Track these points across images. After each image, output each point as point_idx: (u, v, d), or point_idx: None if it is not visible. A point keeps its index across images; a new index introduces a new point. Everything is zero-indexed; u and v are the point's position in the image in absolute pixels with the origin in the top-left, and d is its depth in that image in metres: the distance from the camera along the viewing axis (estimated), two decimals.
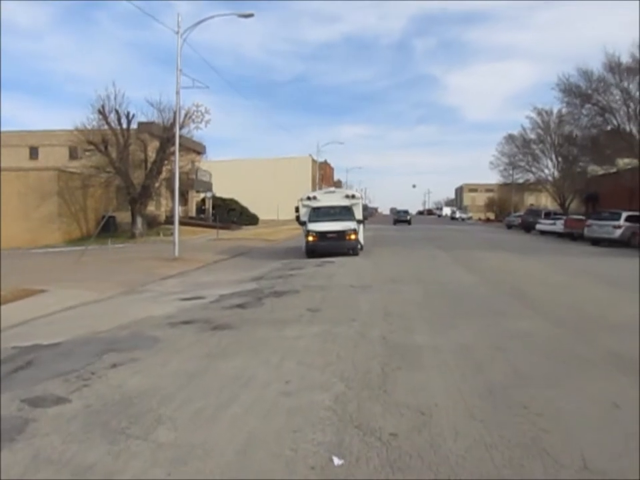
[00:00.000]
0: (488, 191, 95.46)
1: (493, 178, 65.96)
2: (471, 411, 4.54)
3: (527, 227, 40.99)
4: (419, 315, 8.82)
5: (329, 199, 21.88)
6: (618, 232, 25.60)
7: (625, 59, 31.73)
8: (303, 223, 21.56)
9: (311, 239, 19.84)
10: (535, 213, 42.76)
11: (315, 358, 6.28)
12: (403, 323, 8.19)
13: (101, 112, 31.08)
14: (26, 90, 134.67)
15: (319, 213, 20.96)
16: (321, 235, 19.70)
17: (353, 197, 22.33)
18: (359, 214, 21.23)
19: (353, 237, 19.77)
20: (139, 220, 32.52)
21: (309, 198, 22.04)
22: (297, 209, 22.33)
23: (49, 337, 8.06)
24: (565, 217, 35.28)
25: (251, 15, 20.93)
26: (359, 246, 20.66)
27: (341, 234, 19.70)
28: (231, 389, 5.29)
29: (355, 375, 5.57)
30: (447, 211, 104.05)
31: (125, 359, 6.56)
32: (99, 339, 7.84)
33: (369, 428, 4.21)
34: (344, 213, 20.82)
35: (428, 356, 6.28)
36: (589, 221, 28.04)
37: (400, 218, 58.29)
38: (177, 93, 21.50)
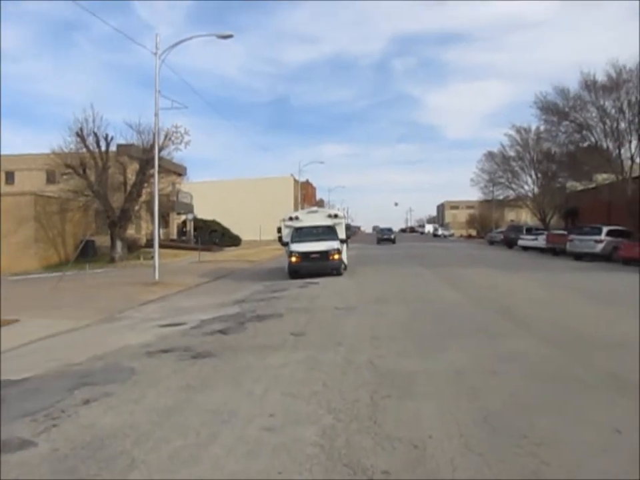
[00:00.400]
0: (469, 207, 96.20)
1: (474, 195, 66.30)
2: (468, 442, 4.26)
3: (509, 242, 41.18)
4: (406, 337, 8.54)
5: (311, 218, 21.55)
6: (600, 246, 25.74)
7: (601, 77, 32.33)
8: (285, 244, 21.20)
9: (294, 259, 19.50)
10: (516, 228, 43.05)
11: (300, 387, 5.96)
12: (390, 346, 7.91)
13: (79, 135, 30.62)
14: (2, 112, 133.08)
15: (302, 233, 20.64)
16: (304, 256, 19.38)
17: (336, 216, 21.96)
18: (342, 233, 20.95)
19: (336, 256, 19.46)
20: (119, 244, 31.92)
21: (291, 218, 21.73)
22: (279, 230, 21.95)
23: (18, 371, 7.62)
24: (546, 233, 35.47)
25: (230, 36, 20.83)
26: (343, 266, 20.35)
27: (324, 254, 19.37)
28: (211, 425, 4.94)
29: (343, 406, 5.26)
30: (429, 228, 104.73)
31: (98, 394, 6.17)
32: (71, 373, 7.42)
33: (359, 466, 3.90)
34: (327, 232, 20.54)
35: (419, 382, 5.99)
36: (571, 236, 28.18)
37: (384, 236, 56.15)
38: (156, 114, 21.25)
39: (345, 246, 21.12)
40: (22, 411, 5.74)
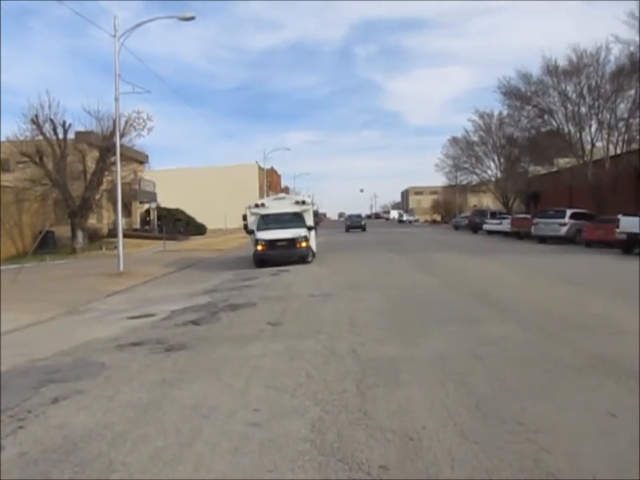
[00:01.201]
0: (433, 193, 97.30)
1: (438, 180, 67.04)
2: (463, 431, 4.13)
3: (474, 227, 41.74)
4: (385, 324, 8.42)
5: (278, 205, 20.97)
6: (564, 229, 26.28)
7: (562, 62, 32.80)
8: (251, 232, 20.71)
9: (259, 247, 19.12)
10: (481, 213, 43.67)
11: (282, 379, 5.74)
12: (370, 333, 7.76)
13: (35, 122, 29.35)
14: None
15: (268, 221, 20.22)
16: (270, 244, 18.99)
17: (303, 202, 21.40)
18: (310, 220, 20.54)
19: (304, 244, 19.13)
20: (80, 234, 30.90)
21: (257, 205, 21.19)
22: (245, 217, 21.40)
23: None
24: (510, 217, 36.05)
25: (192, 18, 20.17)
26: (311, 253, 20.00)
27: (291, 242, 19.04)
28: (191, 421, 4.68)
29: (330, 397, 5.07)
30: (394, 214, 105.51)
31: (68, 392, 5.81)
32: (37, 369, 7.02)
33: (354, 460, 3.71)
34: (294, 220, 20.07)
35: (404, 369, 5.85)
36: (535, 220, 28.69)
37: (353, 224, 51.57)
38: (116, 99, 20.45)
39: (313, 233, 20.79)
40: None
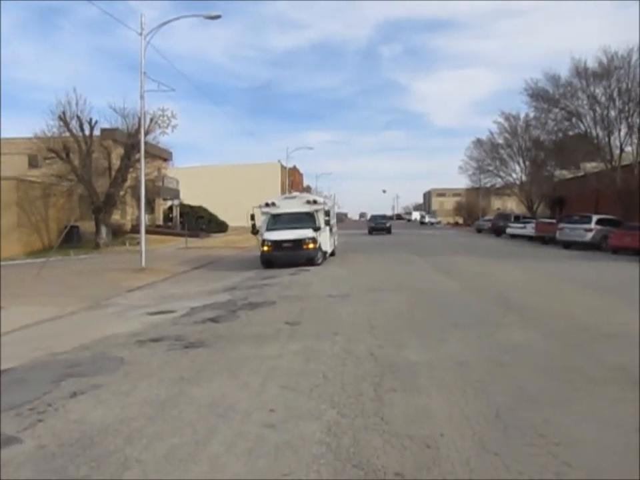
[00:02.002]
0: (455, 195, 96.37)
1: (461, 183, 66.43)
2: (482, 440, 4.04)
3: (497, 230, 41.20)
4: (405, 327, 8.33)
5: (288, 205, 20.13)
6: (589, 235, 25.75)
7: (592, 64, 32.15)
8: (256, 232, 20.43)
9: (265, 248, 18.60)
10: (504, 216, 43.11)
11: (299, 380, 5.71)
12: (389, 336, 7.68)
13: (62, 118, 29.85)
14: None
15: (278, 221, 19.59)
16: (276, 245, 18.38)
17: (315, 202, 20.32)
18: (321, 220, 19.68)
19: (311, 245, 18.38)
20: (104, 229, 31.34)
21: (267, 204, 20.37)
22: (252, 217, 20.97)
23: (2, 360, 7.28)
24: (535, 221, 35.50)
25: (218, 17, 20.30)
26: (321, 255, 19.14)
27: (298, 243, 18.33)
28: (207, 420, 4.67)
29: (346, 400, 5.02)
30: (415, 215, 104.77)
31: (87, 386, 5.87)
32: (57, 362, 7.11)
33: (370, 466, 3.66)
34: (305, 220, 19.25)
35: (423, 374, 5.77)
36: (561, 225, 28.18)
37: (377, 226, 45.69)
38: (141, 96, 20.67)
39: (327, 233, 20.08)
40: (6, 403, 5.44)
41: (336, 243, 23.31)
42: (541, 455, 3.78)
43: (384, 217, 50.81)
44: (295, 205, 20.11)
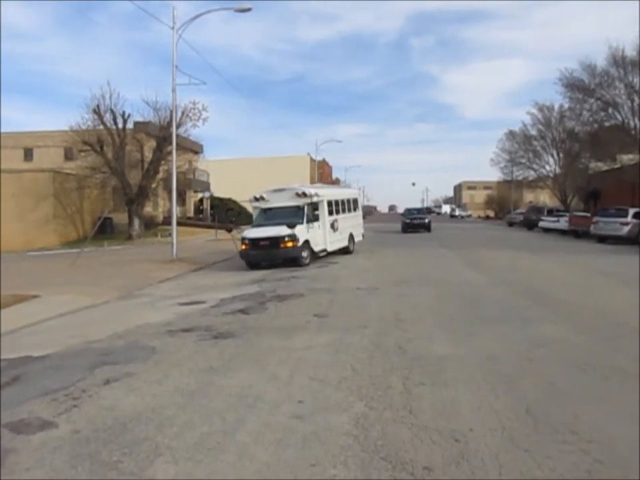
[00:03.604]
0: (486, 188, 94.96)
1: (492, 175, 65.31)
2: (512, 436, 3.99)
3: (530, 224, 40.40)
4: (433, 321, 8.27)
5: (278, 198, 18.32)
6: (625, 229, 25.04)
7: (630, 52, 31.11)
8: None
9: (243, 247, 17.20)
10: (537, 210, 42.20)
11: (327, 372, 5.73)
12: (418, 329, 7.64)
13: (96, 112, 30.44)
14: (21, 91, 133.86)
15: (267, 216, 18.22)
16: (253, 243, 16.90)
17: (304, 194, 17.85)
18: (310, 215, 17.71)
19: (289, 244, 16.49)
20: (136, 221, 31.92)
21: (256, 198, 18.73)
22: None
23: (39, 347, 7.53)
24: (568, 214, 34.71)
25: (248, 9, 20.33)
26: (305, 255, 17.05)
27: (274, 241, 16.55)
28: (236, 410, 4.74)
29: (374, 392, 5.02)
30: (446, 208, 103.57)
31: (119, 374, 6.02)
32: (91, 350, 7.29)
33: (398, 460, 3.65)
34: (293, 215, 17.43)
35: (451, 368, 5.72)
36: (595, 218, 27.47)
37: (413, 221, 35.89)
38: (173, 90, 20.92)
39: (325, 229, 18.42)
40: (42, 389, 5.62)
41: (355, 239, 21.33)
42: (572, 452, 3.72)
43: (421, 210, 41.51)
44: (284, 198, 18.27)
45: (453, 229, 42.88)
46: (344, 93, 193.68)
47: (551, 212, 38.76)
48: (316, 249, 17.79)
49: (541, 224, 37.06)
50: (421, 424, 4.24)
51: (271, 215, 18.09)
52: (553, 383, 5.23)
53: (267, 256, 16.93)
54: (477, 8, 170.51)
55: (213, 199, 48.11)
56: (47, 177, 30.47)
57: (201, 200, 48.63)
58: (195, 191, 47.78)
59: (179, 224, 23.91)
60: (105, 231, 28.86)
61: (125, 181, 30.96)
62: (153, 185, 32.86)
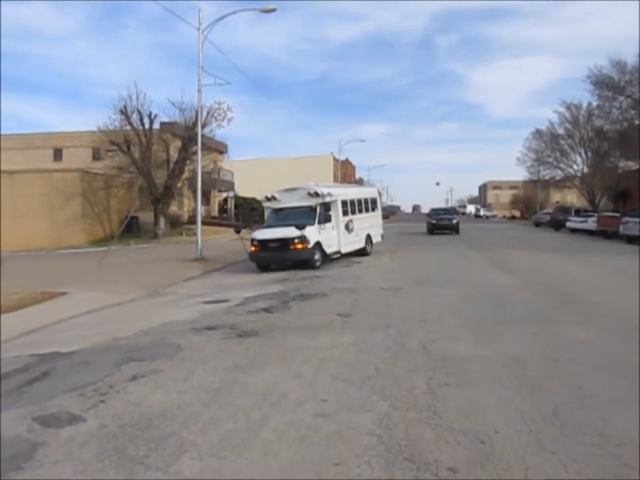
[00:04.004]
0: (512, 188, 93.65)
1: (518, 175, 64.30)
2: (538, 438, 3.94)
3: (557, 224, 39.74)
4: (458, 321, 8.19)
5: (289, 198, 17.58)
6: None
7: None
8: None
9: (252, 249, 16.61)
10: (564, 210, 41.50)
11: (350, 371, 5.73)
12: (442, 330, 7.59)
13: (124, 112, 30.95)
14: (51, 93, 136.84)
15: (278, 217, 17.51)
16: (262, 245, 16.28)
17: (316, 194, 17.03)
18: (322, 216, 16.95)
19: (299, 246, 15.81)
20: (162, 220, 32.34)
21: (267, 198, 18.13)
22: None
23: (67, 343, 7.69)
24: (597, 215, 34.05)
25: (273, 10, 20.43)
26: (317, 257, 16.35)
27: (284, 243, 15.91)
28: (261, 408, 4.77)
29: (398, 392, 5.00)
30: (470, 208, 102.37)
31: (146, 370, 6.11)
32: (118, 347, 7.42)
33: (422, 460, 3.64)
34: (305, 215, 16.72)
35: (476, 369, 5.67)
36: (625, 218, 26.90)
37: (440, 223, 32.87)
38: (199, 90, 21.13)
39: (339, 230, 17.63)
40: (71, 384, 5.74)
41: (373, 240, 20.47)
42: (600, 456, 3.65)
43: (448, 211, 37.95)
44: (296, 198, 17.49)
45: (478, 229, 42.42)
46: (368, 93, 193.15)
47: (578, 212, 38.08)
48: (328, 250, 17.06)
49: (568, 224, 36.43)
50: (446, 425, 4.22)
51: (282, 216, 17.39)
52: (580, 385, 5.14)
53: (277, 258, 16.36)
54: (503, 5, 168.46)
55: (237, 198, 48.44)
56: (76, 177, 31.10)
57: (225, 199, 49.00)
58: (220, 191, 48.17)
59: (203, 223, 24.14)
60: (131, 229, 29.32)
61: (151, 180, 31.39)
62: (179, 185, 33.25)
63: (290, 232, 15.97)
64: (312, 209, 16.99)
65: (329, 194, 17.42)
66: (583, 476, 3.39)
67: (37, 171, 31.87)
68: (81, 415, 4.81)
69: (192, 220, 32.16)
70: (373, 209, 21.53)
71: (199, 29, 20.45)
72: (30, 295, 11.54)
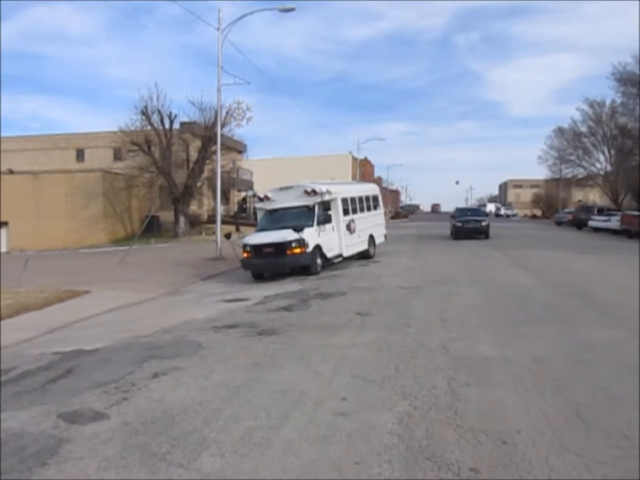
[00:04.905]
0: (533, 186, 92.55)
1: (539, 173, 63.45)
2: (561, 439, 3.89)
3: (579, 223, 39.11)
4: (479, 321, 8.12)
5: (284, 198, 15.95)
6: None
7: None
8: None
9: (245, 255, 15.02)
10: (587, 209, 40.84)
11: (370, 370, 5.71)
12: (463, 329, 7.53)
13: (144, 113, 31.31)
14: (74, 94, 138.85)
15: (272, 219, 15.92)
16: (255, 250, 14.69)
17: (314, 192, 15.47)
18: (322, 215, 15.55)
19: (297, 250, 14.34)
20: (182, 219, 32.62)
21: (260, 199, 16.66)
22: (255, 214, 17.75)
23: (90, 341, 7.80)
24: (620, 213, 33.45)
25: (292, 9, 20.45)
26: (317, 262, 14.99)
27: (280, 247, 14.40)
28: (281, 406, 4.78)
29: (419, 392, 4.97)
30: (491, 207, 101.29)
31: (167, 368, 6.17)
32: (140, 344, 7.51)
33: (443, 460, 3.61)
34: (303, 216, 15.21)
35: (498, 370, 5.61)
36: None
37: (468, 225, 27.57)
38: (218, 90, 21.28)
39: (340, 232, 16.13)
40: (94, 381, 5.82)
41: (376, 240, 19.00)
42: (625, 458, 3.59)
43: (477, 210, 33.49)
44: (292, 197, 15.88)
45: (498, 228, 41.87)
46: (387, 91, 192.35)
47: (601, 211, 37.44)
48: (329, 254, 15.63)
49: (591, 223, 35.84)
50: (467, 425, 4.18)
51: (277, 217, 15.80)
52: (604, 387, 5.06)
53: (272, 265, 14.78)
54: (523, 3, 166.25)
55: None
56: (97, 177, 31.56)
57: (244, 198, 49.24)
58: (239, 190, 48.43)
59: (222, 222, 24.28)
60: (152, 228, 29.65)
61: (171, 180, 31.70)
62: (198, 184, 33.52)
63: (286, 235, 14.52)
64: (310, 209, 15.48)
65: (328, 191, 15.92)
66: (607, 478, 3.34)
67: (60, 171, 32.43)
68: (104, 411, 4.88)
69: (211, 219, 32.40)
70: (375, 207, 19.99)
71: (218, 29, 20.59)
72: (54, 294, 11.73)
